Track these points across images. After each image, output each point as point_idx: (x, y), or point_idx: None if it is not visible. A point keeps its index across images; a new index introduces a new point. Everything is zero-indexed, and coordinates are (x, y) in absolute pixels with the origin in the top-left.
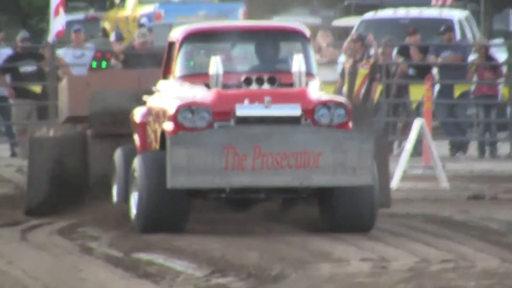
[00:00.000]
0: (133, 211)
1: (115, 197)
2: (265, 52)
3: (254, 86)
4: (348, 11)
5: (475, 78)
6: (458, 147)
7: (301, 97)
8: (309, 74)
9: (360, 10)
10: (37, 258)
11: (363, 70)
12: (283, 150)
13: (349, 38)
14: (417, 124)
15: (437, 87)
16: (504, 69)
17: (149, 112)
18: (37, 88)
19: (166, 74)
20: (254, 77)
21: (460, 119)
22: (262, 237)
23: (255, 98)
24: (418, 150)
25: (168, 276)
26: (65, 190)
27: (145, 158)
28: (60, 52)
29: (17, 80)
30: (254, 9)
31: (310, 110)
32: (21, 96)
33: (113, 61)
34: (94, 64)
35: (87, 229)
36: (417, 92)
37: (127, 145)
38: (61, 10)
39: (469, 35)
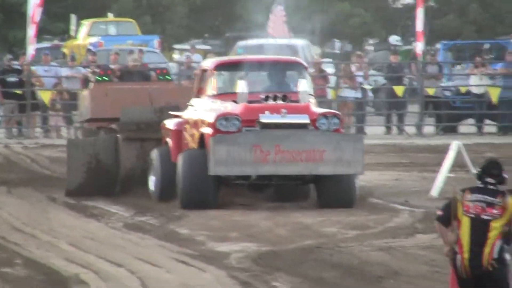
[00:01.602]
0: (178, 193)
1: (151, 186)
2: (275, 77)
3: (271, 102)
4: (228, 41)
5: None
6: None
7: (307, 110)
8: (309, 94)
9: (236, 40)
10: (18, 205)
11: None
12: (297, 148)
13: None
14: None
15: None
16: (332, 78)
17: (186, 121)
18: (19, 92)
19: (198, 93)
20: (271, 95)
21: None
22: None
23: (274, 110)
24: None
25: (106, 216)
26: (100, 179)
27: (187, 155)
28: (34, 68)
29: (5, 87)
30: (165, 40)
31: (313, 119)
32: (8, 98)
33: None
34: (99, 78)
35: (53, 186)
36: None
37: (161, 147)
38: (34, 40)
39: (308, 56)
